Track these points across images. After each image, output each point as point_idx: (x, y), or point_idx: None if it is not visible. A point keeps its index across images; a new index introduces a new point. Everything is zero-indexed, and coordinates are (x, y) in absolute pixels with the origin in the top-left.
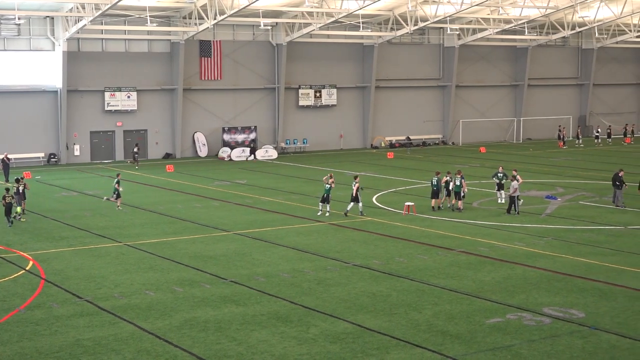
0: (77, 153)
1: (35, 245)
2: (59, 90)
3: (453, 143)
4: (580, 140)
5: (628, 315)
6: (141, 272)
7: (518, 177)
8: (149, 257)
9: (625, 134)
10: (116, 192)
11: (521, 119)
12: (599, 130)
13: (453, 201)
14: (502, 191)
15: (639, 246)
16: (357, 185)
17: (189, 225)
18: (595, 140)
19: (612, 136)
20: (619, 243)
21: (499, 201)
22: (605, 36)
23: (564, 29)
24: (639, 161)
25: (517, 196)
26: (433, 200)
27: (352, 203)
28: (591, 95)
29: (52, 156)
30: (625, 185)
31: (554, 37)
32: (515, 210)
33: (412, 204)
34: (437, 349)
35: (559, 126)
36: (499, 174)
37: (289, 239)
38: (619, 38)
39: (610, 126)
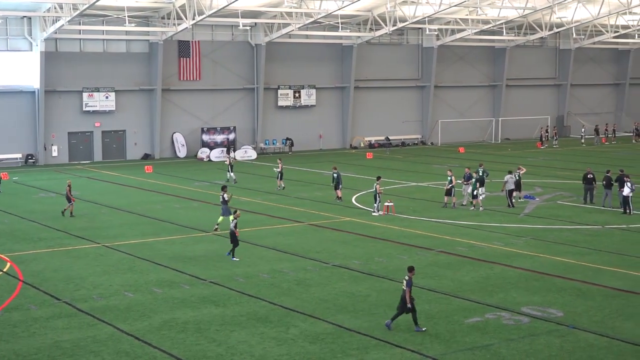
0: (55, 154)
1: (13, 247)
2: (37, 90)
3: (432, 143)
4: (556, 141)
5: (605, 314)
6: (120, 273)
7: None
8: (127, 258)
9: (597, 133)
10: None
11: (499, 119)
12: (598, 129)
13: (474, 201)
14: (483, 188)
15: (616, 245)
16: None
17: (168, 226)
18: (594, 139)
19: (585, 136)
20: (596, 242)
21: (481, 198)
22: (583, 37)
23: (541, 29)
24: (615, 160)
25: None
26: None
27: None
28: (569, 95)
29: (29, 157)
30: (596, 184)
31: (532, 37)
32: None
33: (392, 204)
34: (416, 349)
35: (546, 126)
36: (479, 170)
37: (269, 239)
38: (596, 39)
39: (584, 125)
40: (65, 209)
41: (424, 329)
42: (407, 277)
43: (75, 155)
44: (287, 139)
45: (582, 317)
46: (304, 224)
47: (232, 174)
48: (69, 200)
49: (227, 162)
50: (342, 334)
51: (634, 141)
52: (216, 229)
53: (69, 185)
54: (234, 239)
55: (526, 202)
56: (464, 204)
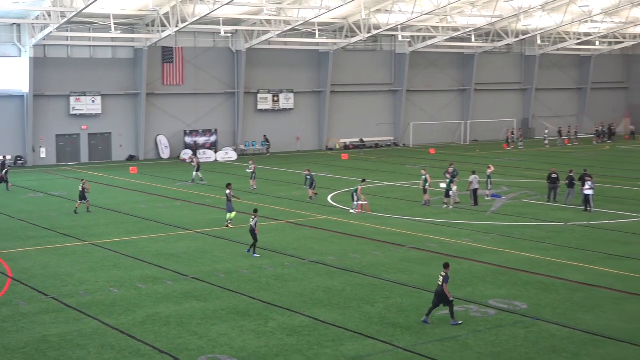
0: (43, 155)
1: (3, 245)
2: (26, 95)
3: (404, 145)
4: (522, 143)
5: (568, 306)
6: (105, 270)
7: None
8: (113, 256)
9: (560, 134)
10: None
11: (468, 121)
12: (561, 131)
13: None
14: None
15: (578, 241)
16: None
17: (152, 224)
18: (557, 141)
19: (549, 138)
20: (559, 239)
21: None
22: (547, 43)
23: (508, 36)
24: (577, 161)
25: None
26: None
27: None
28: (534, 99)
29: (18, 158)
30: (559, 183)
31: (499, 44)
32: (475, 202)
33: (366, 202)
34: (388, 340)
35: (512, 129)
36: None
37: (248, 237)
38: (560, 45)
39: (547, 128)
40: (87, 206)
41: (460, 322)
42: (443, 274)
43: (63, 156)
44: (266, 139)
45: (546, 309)
46: (281, 222)
47: (198, 173)
48: (84, 197)
49: (194, 163)
50: (318, 327)
51: (594, 143)
52: (227, 225)
53: (84, 183)
54: (254, 236)
55: (493, 200)
56: (457, 201)
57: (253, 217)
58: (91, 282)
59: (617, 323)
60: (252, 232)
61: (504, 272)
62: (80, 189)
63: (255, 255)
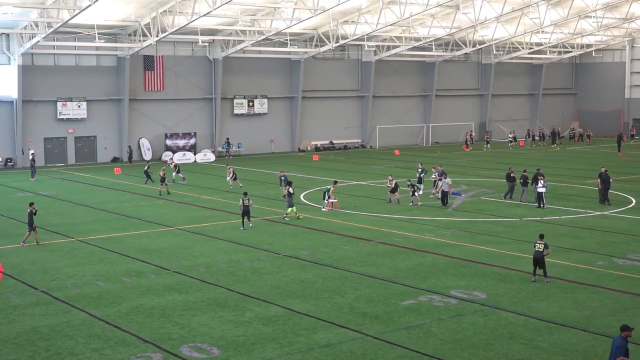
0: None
1: None
2: (15, 100)
3: (371, 147)
4: (489, 145)
5: (523, 295)
6: (92, 264)
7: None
8: (99, 251)
9: (515, 139)
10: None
11: (430, 125)
12: (511, 134)
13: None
14: (421, 185)
15: (532, 236)
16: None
17: (136, 221)
18: (510, 144)
19: (513, 142)
20: (514, 233)
21: (419, 194)
22: (502, 53)
23: (466, 46)
24: (530, 161)
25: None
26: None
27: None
28: (490, 104)
29: (8, 160)
30: (516, 182)
31: (458, 53)
32: (446, 204)
33: (336, 200)
34: (358, 329)
35: (470, 131)
36: (418, 169)
37: (226, 233)
38: (513, 54)
39: (512, 131)
40: (160, 190)
41: (548, 281)
42: (542, 242)
43: (51, 158)
44: (227, 142)
45: (503, 298)
46: (257, 219)
47: (180, 174)
48: (162, 181)
49: (172, 165)
50: (292, 317)
51: (542, 144)
52: (285, 217)
53: (164, 170)
54: (247, 213)
55: (453, 198)
56: (433, 194)
57: (246, 199)
58: (78, 276)
59: (568, 310)
60: (247, 210)
61: (464, 264)
62: (162, 174)
63: (243, 229)
